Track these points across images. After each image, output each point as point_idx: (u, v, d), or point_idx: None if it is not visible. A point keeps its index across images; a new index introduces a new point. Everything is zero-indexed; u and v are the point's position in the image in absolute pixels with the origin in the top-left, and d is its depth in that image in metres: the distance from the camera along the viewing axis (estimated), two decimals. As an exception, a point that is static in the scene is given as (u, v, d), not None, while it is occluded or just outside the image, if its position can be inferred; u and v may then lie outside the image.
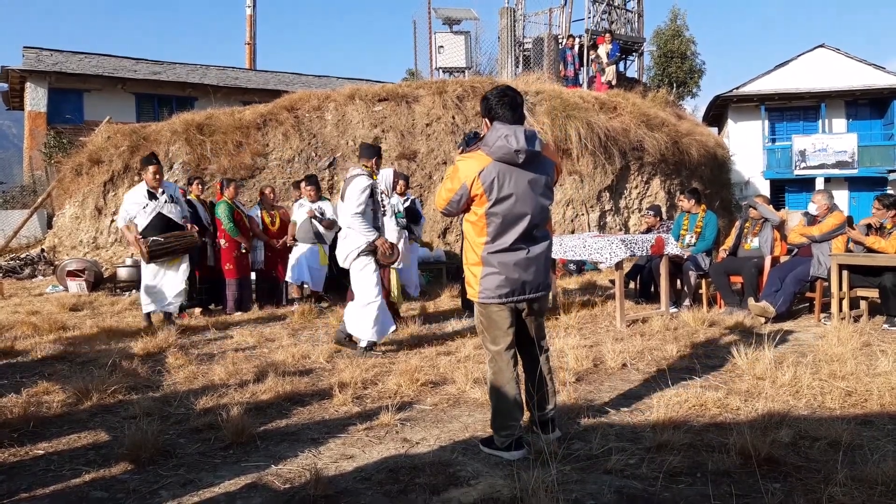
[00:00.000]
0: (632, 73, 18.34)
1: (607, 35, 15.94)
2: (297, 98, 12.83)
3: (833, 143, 22.14)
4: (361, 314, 5.28)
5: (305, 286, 8.23)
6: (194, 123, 12.01)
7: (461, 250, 4.65)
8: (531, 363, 3.22)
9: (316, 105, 12.54)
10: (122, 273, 10.03)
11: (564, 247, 6.83)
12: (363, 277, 5.30)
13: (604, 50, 15.66)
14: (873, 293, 6.26)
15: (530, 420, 3.23)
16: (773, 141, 23.71)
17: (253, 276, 8.30)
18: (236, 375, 4.63)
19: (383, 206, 5.90)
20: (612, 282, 7.58)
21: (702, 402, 3.65)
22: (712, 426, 3.33)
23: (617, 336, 5.77)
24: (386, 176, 6.37)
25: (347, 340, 5.47)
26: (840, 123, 23.74)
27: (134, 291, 9.59)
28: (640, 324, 6.40)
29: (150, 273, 6.58)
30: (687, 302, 7.48)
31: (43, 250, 12.14)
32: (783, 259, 7.08)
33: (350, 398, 3.98)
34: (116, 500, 2.70)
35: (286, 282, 8.32)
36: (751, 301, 6.37)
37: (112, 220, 11.78)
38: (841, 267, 6.18)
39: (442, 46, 14.76)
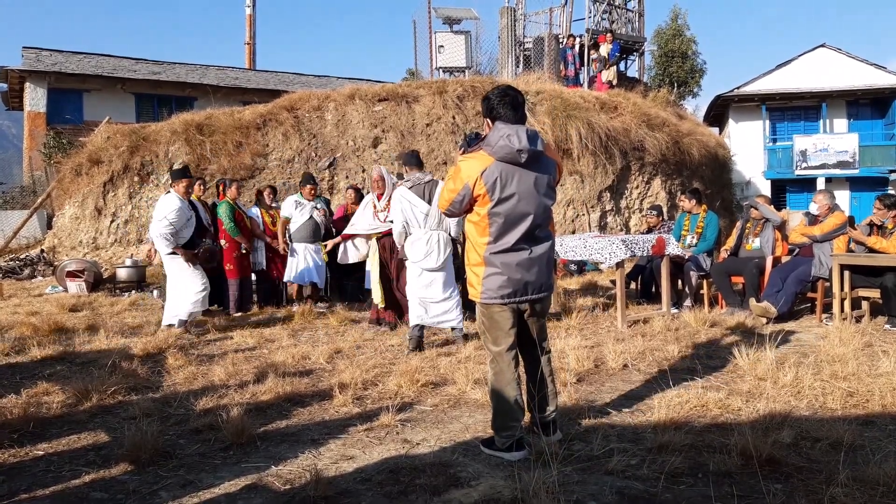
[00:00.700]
0: (632, 72, 18.34)
1: (608, 35, 15.93)
2: (296, 98, 12.84)
3: (834, 143, 22.12)
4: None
5: (305, 286, 8.21)
6: (194, 123, 12.02)
7: (462, 251, 4.63)
8: (532, 364, 3.21)
9: (316, 105, 12.54)
10: (122, 274, 10.04)
11: (565, 247, 6.82)
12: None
13: (605, 50, 15.65)
14: (875, 293, 6.25)
15: (531, 421, 3.22)
16: (775, 141, 23.69)
17: (253, 276, 8.29)
18: (236, 376, 4.63)
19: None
20: (613, 282, 7.57)
21: (703, 402, 3.65)
22: (714, 427, 3.32)
23: (618, 336, 5.76)
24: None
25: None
26: (841, 123, 23.72)
27: (134, 292, 9.59)
28: (641, 324, 6.40)
29: (198, 278, 6.44)
30: (688, 302, 7.47)
31: (42, 251, 12.13)
32: (784, 259, 7.07)
33: (350, 399, 3.97)
34: (116, 501, 2.70)
35: (286, 282, 8.29)
36: (752, 301, 6.37)
37: (112, 221, 11.78)
38: (842, 267, 6.17)
39: (442, 46, 14.74)
